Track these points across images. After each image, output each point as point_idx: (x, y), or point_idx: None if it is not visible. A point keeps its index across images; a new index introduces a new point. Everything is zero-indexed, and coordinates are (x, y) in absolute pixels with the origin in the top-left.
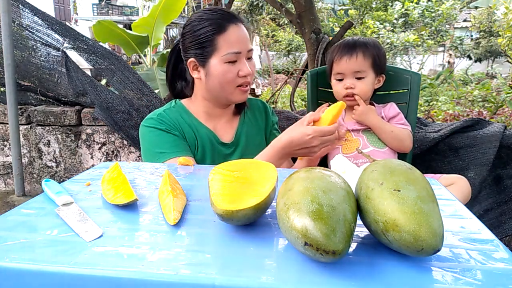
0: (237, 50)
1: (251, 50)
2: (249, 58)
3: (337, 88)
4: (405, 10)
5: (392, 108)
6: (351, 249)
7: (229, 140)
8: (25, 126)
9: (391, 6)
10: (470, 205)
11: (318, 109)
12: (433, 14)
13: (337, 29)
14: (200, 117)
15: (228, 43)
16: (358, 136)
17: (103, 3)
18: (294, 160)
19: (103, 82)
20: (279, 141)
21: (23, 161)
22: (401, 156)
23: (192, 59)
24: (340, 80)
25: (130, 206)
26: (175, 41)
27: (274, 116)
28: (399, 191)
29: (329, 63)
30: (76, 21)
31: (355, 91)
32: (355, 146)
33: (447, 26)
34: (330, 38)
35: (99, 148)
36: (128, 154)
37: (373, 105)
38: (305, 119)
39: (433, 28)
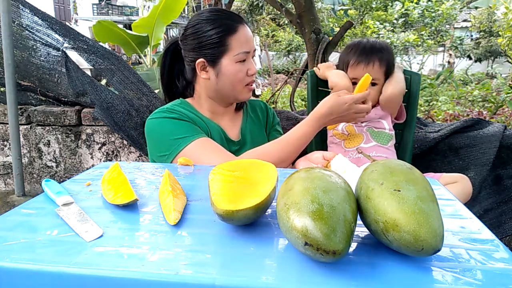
0: (247, 50)
1: (255, 49)
2: (252, 57)
3: None
4: (405, 10)
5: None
6: (351, 249)
7: (235, 137)
8: (25, 126)
9: (391, 6)
10: (470, 205)
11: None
12: (433, 14)
13: (337, 29)
14: (206, 115)
15: (239, 43)
16: (361, 132)
17: (103, 3)
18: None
19: (103, 82)
20: (319, 110)
21: (23, 161)
22: (401, 156)
23: (201, 59)
24: (354, 83)
25: (130, 206)
26: (168, 43)
27: (275, 118)
28: (399, 191)
29: (343, 65)
30: (76, 21)
31: (369, 97)
32: (358, 141)
33: (447, 26)
34: (330, 38)
35: (99, 148)
36: (128, 154)
37: None
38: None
39: (433, 28)
